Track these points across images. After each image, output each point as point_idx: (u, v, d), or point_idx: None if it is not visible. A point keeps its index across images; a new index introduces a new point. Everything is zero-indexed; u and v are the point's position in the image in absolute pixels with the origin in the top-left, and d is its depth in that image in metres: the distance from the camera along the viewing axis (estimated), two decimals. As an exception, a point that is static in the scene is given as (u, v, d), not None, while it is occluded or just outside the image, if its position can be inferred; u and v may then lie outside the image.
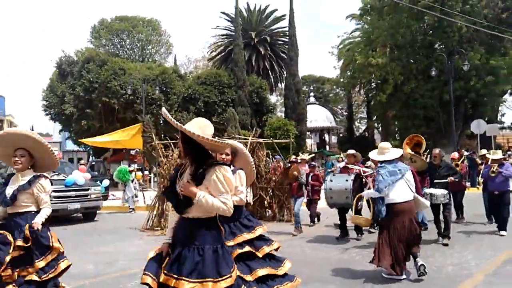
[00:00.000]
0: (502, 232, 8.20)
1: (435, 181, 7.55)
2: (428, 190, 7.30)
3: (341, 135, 41.57)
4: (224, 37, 36.15)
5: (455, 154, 10.98)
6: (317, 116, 35.07)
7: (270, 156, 12.70)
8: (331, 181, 7.88)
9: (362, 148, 31.64)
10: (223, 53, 35.18)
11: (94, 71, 25.75)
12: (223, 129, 24.42)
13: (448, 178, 7.49)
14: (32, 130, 53.08)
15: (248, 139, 11.39)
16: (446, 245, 7.26)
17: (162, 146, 10.91)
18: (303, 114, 28.68)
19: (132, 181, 13.80)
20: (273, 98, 36.70)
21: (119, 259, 6.99)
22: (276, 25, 36.34)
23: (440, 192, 7.24)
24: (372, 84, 32.55)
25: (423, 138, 8.06)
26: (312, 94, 41.66)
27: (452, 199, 9.40)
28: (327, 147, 37.91)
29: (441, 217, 7.62)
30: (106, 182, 13.61)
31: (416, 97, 25.74)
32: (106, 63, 26.52)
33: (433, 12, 21.30)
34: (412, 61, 27.02)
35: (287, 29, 32.86)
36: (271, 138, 15.18)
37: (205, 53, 40.20)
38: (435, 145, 27.13)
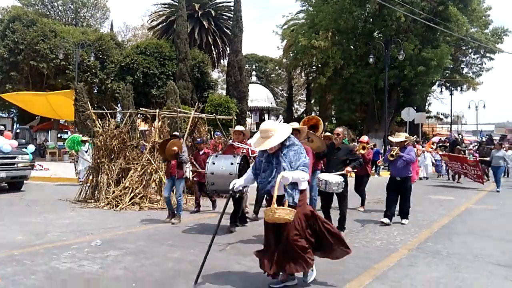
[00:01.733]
0: (404, 221, 7.77)
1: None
2: (322, 175, 6.41)
3: (280, 116, 42.23)
4: (167, 6, 34.71)
5: (364, 138, 10.20)
6: (258, 95, 35.21)
7: (211, 133, 12.60)
8: (213, 164, 6.34)
9: (300, 129, 32.73)
10: (164, 23, 33.83)
11: (20, 31, 23.65)
12: (163, 102, 23.74)
13: (345, 169, 6.48)
14: None
15: (189, 114, 11.20)
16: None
17: (97, 116, 10.39)
18: (244, 92, 28.57)
19: (86, 151, 12.53)
20: (214, 75, 36.18)
21: (50, 230, 6.63)
22: (220, -1, 35.59)
23: (334, 179, 6.25)
24: (313, 67, 33.26)
25: (320, 120, 7.17)
26: (254, 73, 41.70)
27: (354, 185, 9.04)
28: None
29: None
30: (31, 148, 12.57)
31: (353, 82, 26.76)
32: (35, 23, 24.44)
33: None
34: (352, 47, 27.92)
35: (232, 4, 32.33)
36: (221, 114, 14.95)
37: (145, 22, 38.47)
38: (368, 130, 28.81)
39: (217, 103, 25.19)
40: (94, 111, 10.43)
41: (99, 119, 10.23)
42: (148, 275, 4.56)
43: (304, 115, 42.05)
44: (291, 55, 32.37)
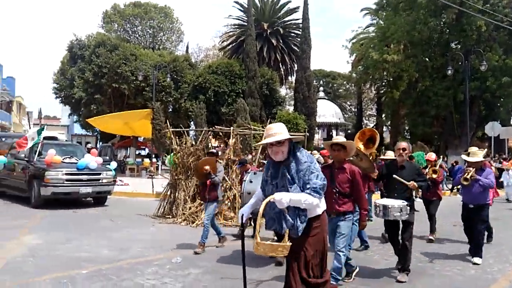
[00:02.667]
0: (476, 260, 6.26)
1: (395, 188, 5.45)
2: (380, 201, 5.37)
3: (349, 131, 41.32)
4: (236, 27, 35.76)
5: (431, 155, 8.82)
6: (326, 111, 34.82)
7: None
8: (251, 182, 5.68)
9: (370, 145, 31.64)
10: (234, 43, 34.84)
11: (104, 56, 25.59)
12: (233, 120, 24.26)
13: (415, 188, 5.41)
14: (40, 113, 53.25)
15: (261, 131, 11.26)
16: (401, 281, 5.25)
17: (175, 134, 10.78)
18: (313, 108, 28.42)
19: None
20: (282, 91, 36.39)
21: (133, 246, 6.90)
22: (289, 17, 35.93)
23: (397, 203, 5.18)
24: (385, 80, 32.19)
25: (377, 133, 6.59)
26: (321, 88, 41.36)
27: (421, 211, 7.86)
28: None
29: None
30: (114, 165, 13.38)
31: (429, 95, 25.42)
32: (117, 48, 26.35)
33: (455, 6, 20.86)
34: (427, 59, 26.64)
35: (299, 21, 32.47)
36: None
37: (217, 43, 39.92)
38: (446, 146, 27.09)
39: (285, 120, 25.20)
40: (172, 129, 10.82)
41: (176, 137, 10.61)
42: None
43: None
44: (361, 69, 31.65)
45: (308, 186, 3.22)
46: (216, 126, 12.02)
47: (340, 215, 4.70)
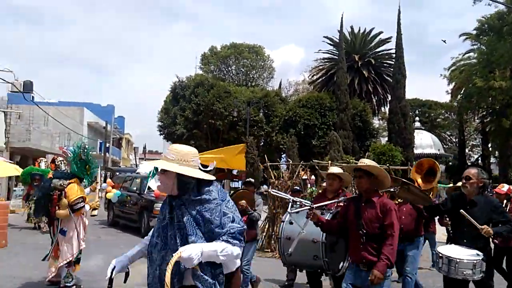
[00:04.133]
0: None
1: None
2: (445, 249, 3.95)
3: (450, 163, 38.43)
4: (326, 60, 36.12)
5: (504, 187, 6.77)
6: (423, 142, 32.99)
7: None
8: (291, 223, 4.34)
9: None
10: (324, 77, 35.13)
11: (201, 95, 27.43)
12: (324, 152, 24.13)
13: (490, 235, 3.91)
14: (145, 148, 57.68)
15: (359, 165, 11.04)
16: None
17: (271, 167, 11.06)
18: (410, 139, 27.16)
19: None
20: (375, 123, 35.44)
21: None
22: (380, 47, 35.41)
23: (467, 256, 3.77)
24: (490, 109, 29.74)
25: (438, 165, 5.61)
26: (417, 118, 39.41)
27: (498, 262, 5.97)
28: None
29: None
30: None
31: (546, 124, 22.90)
32: (213, 87, 28.15)
33: None
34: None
35: (392, 51, 31.80)
36: (386, 164, 14.41)
37: (306, 77, 40.60)
38: None
39: (380, 152, 24.37)
40: (270, 163, 11.11)
41: (273, 171, 10.88)
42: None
43: (479, 161, 37.36)
44: (462, 97, 29.68)
45: (222, 231, 2.28)
46: (313, 160, 12.07)
47: (372, 267, 3.47)
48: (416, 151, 30.15)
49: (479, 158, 37.93)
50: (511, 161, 31.21)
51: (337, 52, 31.42)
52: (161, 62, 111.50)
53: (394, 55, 30.01)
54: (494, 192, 7.08)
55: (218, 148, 28.01)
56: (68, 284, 6.13)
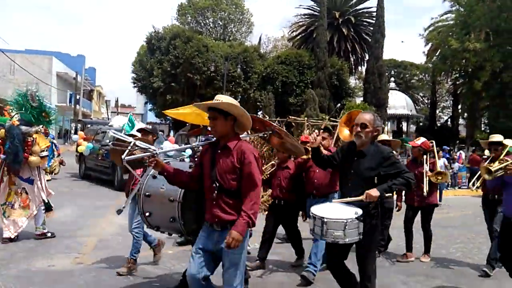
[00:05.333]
0: None
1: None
2: (316, 209, 3.40)
3: (420, 124, 39.40)
4: (307, 16, 35.41)
5: (419, 140, 6.14)
6: (397, 102, 33.39)
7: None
8: (155, 177, 3.65)
9: (443, 139, 29.97)
10: (304, 33, 34.54)
11: (180, 48, 26.61)
12: (301, 110, 24.20)
13: (375, 199, 3.28)
14: (117, 101, 56.66)
15: (336, 122, 11.15)
16: None
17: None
18: (384, 99, 27.50)
19: None
20: (352, 82, 35.53)
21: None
22: (361, 5, 34.85)
23: (340, 214, 3.26)
24: (462, 71, 30.23)
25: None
26: (392, 79, 39.75)
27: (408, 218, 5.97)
28: (403, 135, 36.15)
29: None
30: (189, 152, 13.92)
31: (514, 87, 23.57)
32: (191, 40, 27.29)
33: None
34: (511, 48, 24.66)
35: (372, 9, 31.41)
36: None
37: (286, 33, 39.83)
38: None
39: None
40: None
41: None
42: None
43: (449, 122, 38.42)
44: (437, 59, 29.95)
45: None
46: (290, 117, 12.09)
47: (226, 227, 2.93)
48: (389, 111, 30.63)
49: (449, 119, 38.99)
50: (478, 123, 32.29)
51: (318, 8, 30.80)
52: (135, 11, 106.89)
53: (374, 13, 29.67)
54: (412, 145, 6.55)
55: (194, 102, 27.64)
56: (45, 230, 6.17)
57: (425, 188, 5.61)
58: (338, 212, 3.26)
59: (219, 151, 3.02)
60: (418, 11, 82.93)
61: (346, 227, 3.14)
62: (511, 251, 4.16)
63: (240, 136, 3.14)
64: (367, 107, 25.26)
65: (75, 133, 25.77)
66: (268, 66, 28.08)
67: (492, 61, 23.65)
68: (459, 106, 34.60)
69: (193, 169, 3.23)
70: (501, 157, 4.43)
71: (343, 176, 3.65)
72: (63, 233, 6.40)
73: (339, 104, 24.44)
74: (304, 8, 36.07)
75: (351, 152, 3.57)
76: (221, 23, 35.93)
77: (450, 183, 14.46)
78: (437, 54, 30.58)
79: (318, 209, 3.36)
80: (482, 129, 33.50)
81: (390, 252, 6.27)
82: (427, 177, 5.68)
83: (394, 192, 5.57)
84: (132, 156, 3.28)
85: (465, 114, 34.23)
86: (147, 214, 3.58)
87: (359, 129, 3.47)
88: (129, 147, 3.59)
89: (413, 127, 40.19)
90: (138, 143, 3.70)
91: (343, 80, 28.48)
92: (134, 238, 4.81)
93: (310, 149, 3.89)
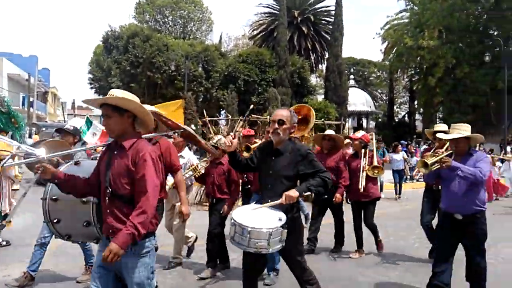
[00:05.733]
0: None
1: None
2: (238, 214, 3.17)
3: (379, 120, 40.65)
4: (267, 15, 35.61)
5: (359, 133, 6.13)
6: (356, 99, 34.31)
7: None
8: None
9: (402, 134, 31.09)
10: (264, 32, 34.73)
11: (140, 47, 26.06)
12: (264, 109, 24.34)
13: (294, 200, 3.15)
14: (74, 103, 54.74)
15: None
16: None
17: (211, 122, 10.99)
18: (344, 96, 28.15)
19: None
20: (312, 80, 36.12)
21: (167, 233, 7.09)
22: (320, 4, 35.47)
23: (264, 221, 3.06)
24: (417, 68, 31.44)
25: (312, 111, 5.16)
26: (352, 76, 40.78)
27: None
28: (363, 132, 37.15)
29: None
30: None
31: (466, 83, 24.74)
32: (150, 38, 26.79)
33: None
34: (462, 45, 25.91)
35: (331, 8, 32.01)
36: (321, 120, 14.81)
37: (246, 32, 39.91)
38: (482, 134, 26.25)
39: (316, 108, 25.08)
40: (209, 118, 11.02)
41: (212, 126, 10.81)
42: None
43: (406, 118, 39.87)
44: (394, 56, 30.99)
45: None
46: (252, 116, 12.11)
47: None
48: (349, 108, 31.40)
49: (406, 115, 40.43)
50: (434, 118, 33.69)
51: (278, 7, 31.05)
52: (90, 9, 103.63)
53: (333, 12, 30.26)
54: (350, 138, 6.91)
55: (156, 103, 27.18)
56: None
57: (361, 182, 5.61)
58: (261, 220, 3.02)
59: (115, 152, 2.65)
60: (376, 9, 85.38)
61: (271, 236, 2.95)
62: (446, 246, 3.98)
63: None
64: (328, 105, 25.80)
65: (29, 137, 24.69)
66: (229, 65, 28.02)
67: (445, 58, 24.73)
68: (415, 102, 35.91)
69: (91, 174, 2.78)
70: (441, 149, 4.08)
71: (262, 178, 3.47)
72: (18, 241, 6.14)
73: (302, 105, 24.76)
74: (264, 7, 36.35)
75: (268, 151, 3.42)
76: (180, 22, 35.51)
77: (408, 177, 14.96)
78: (393, 51, 31.62)
79: (239, 216, 3.09)
80: (438, 123, 35.01)
81: (343, 250, 6.22)
82: (364, 171, 5.67)
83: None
84: (10, 163, 3.00)
85: (421, 110, 35.65)
86: (54, 221, 3.04)
87: (276, 125, 3.30)
88: (11, 154, 3.27)
89: (372, 123, 41.41)
90: (25, 147, 3.38)
91: (304, 78, 28.88)
92: (84, 246, 4.59)
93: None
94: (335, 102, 26.76)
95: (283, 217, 3.07)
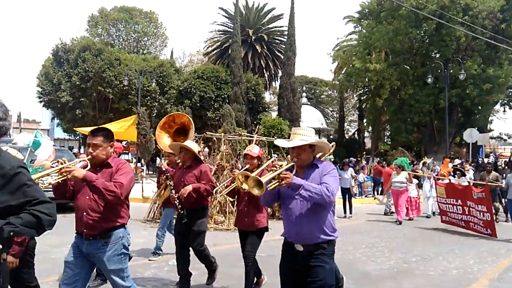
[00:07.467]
0: None
1: None
2: None
3: (331, 136, 41.98)
4: (221, 33, 36.05)
5: (255, 149, 4.93)
6: (309, 116, 35.31)
7: (271, 155, 12.79)
8: None
9: (352, 151, 32.29)
10: (219, 49, 35.09)
11: (90, 60, 25.45)
12: (218, 125, 24.44)
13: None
14: (20, 116, 52.03)
15: (252, 137, 11.48)
16: None
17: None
18: (297, 114, 28.87)
19: None
20: (266, 97, 36.78)
21: (130, 249, 7.00)
22: (273, 23, 36.41)
23: None
24: (366, 88, 32.93)
25: (191, 123, 5.05)
26: (304, 94, 41.97)
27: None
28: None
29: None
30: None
31: (411, 103, 26.21)
32: (102, 52, 26.24)
33: (434, 18, 21.56)
34: (409, 67, 27.52)
35: (284, 28, 32.95)
36: (274, 137, 15.13)
37: (201, 48, 40.12)
38: (426, 152, 27.90)
39: (270, 125, 25.56)
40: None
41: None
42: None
43: (356, 135, 41.46)
44: (343, 76, 32.32)
45: None
46: (207, 132, 12.18)
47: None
48: (302, 125, 32.23)
49: (355, 132, 42.03)
50: (381, 135, 35.32)
51: (232, 25, 31.55)
52: (40, 20, 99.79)
53: (286, 32, 31.16)
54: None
55: (107, 117, 26.58)
56: None
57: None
58: None
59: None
60: (328, 29, 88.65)
61: None
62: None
63: None
64: (281, 122, 26.35)
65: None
66: (185, 81, 27.97)
67: (390, 80, 26.12)
68: (364, 120, 37.47)
69: None
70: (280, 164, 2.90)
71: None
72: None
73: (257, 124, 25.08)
74: (218, 24, 36.76)
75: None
76: (134, 36, 35.08)
77: (356, 193, 15.51)
78: (343, 72, 32.97)
79: None
80: (385, 141, 36.70)
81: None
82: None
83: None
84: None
85: (370, 127, 37.23)
86: None
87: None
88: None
89: (324, 139, 42.56)
90: None
91: (259, 95, 29.36)
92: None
93: None
94: (288, 119, 27.37)
95: None
